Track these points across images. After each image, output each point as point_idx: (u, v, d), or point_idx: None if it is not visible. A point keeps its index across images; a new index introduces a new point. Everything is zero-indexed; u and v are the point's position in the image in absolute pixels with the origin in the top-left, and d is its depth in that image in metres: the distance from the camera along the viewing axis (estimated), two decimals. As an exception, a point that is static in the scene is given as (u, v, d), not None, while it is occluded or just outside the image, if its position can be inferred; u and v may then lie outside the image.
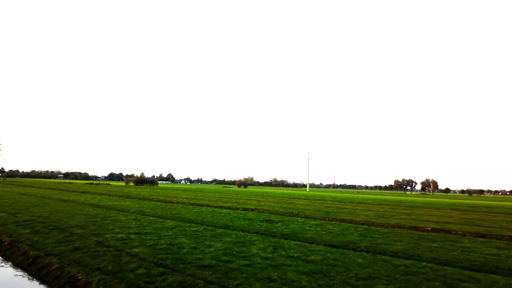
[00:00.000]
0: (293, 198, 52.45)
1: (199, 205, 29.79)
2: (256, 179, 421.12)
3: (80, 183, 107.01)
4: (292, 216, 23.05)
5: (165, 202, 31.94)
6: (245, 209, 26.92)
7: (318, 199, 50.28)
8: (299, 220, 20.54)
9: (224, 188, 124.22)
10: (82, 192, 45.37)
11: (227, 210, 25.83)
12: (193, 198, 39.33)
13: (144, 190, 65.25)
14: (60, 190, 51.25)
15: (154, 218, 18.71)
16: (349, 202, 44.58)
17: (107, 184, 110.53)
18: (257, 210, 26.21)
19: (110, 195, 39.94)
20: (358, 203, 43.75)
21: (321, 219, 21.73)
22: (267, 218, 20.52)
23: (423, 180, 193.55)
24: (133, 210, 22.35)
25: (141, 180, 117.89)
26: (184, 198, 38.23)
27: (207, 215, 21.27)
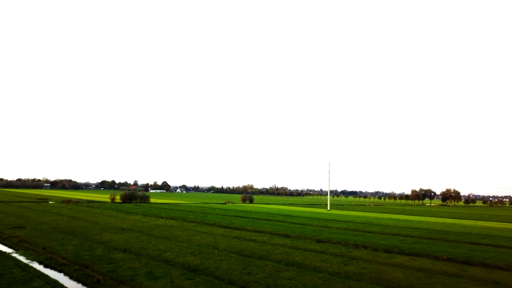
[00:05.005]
0: (369, 250, 34.30)
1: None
2: (255, 186, 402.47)
3: (52, 202, 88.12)
4: None
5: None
6: None
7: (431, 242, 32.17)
8: None
9: (229, 206, 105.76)
10: None
11: None
12: (206, 257, 21.19)
13: (128, 218, 47.00)
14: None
15: None
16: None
17: (88, 202, 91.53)
18: None
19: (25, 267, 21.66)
20: None
21: None
22: None
23: (444, 190, 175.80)
24: None
25: (130, 196, 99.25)
26: (189, 259, 20.07)
27: None
